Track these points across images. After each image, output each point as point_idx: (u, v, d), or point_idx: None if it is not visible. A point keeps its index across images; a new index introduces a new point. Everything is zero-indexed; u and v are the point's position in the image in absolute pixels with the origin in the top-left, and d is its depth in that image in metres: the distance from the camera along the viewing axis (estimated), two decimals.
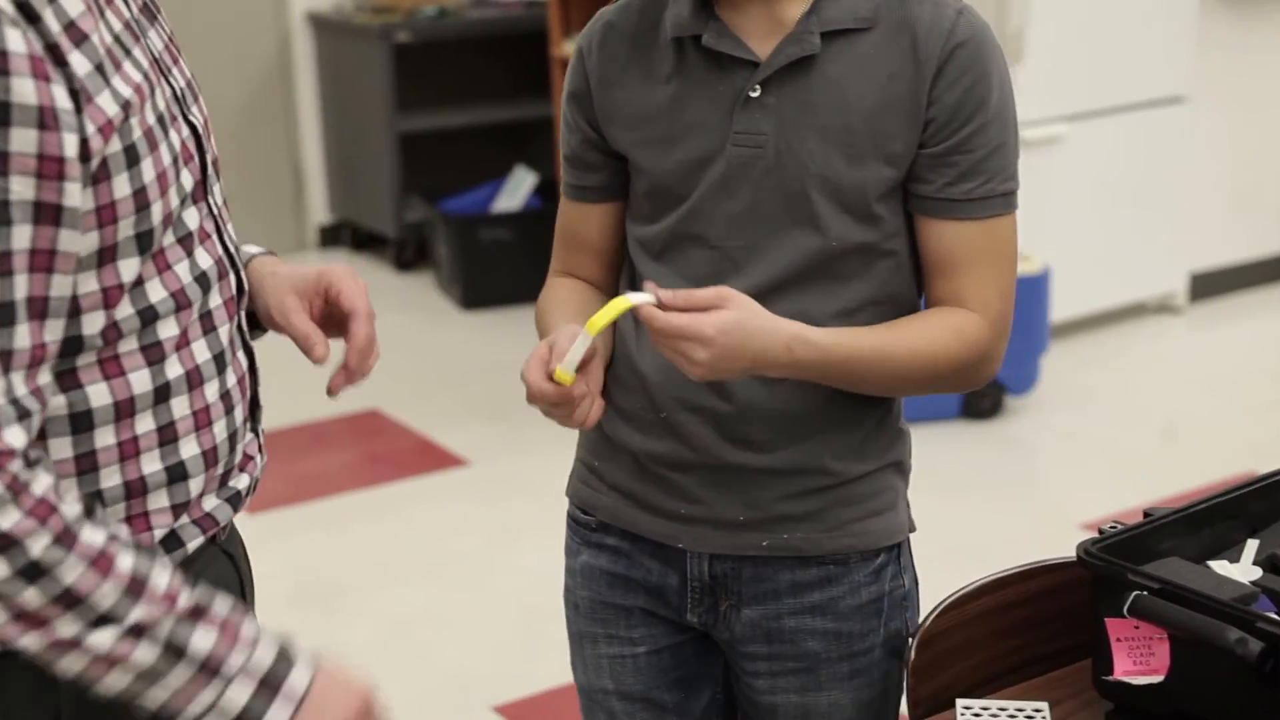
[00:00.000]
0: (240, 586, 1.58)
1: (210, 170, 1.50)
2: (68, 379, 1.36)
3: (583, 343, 1.64)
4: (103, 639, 1.28)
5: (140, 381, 1.40)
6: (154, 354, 1.41)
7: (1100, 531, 1.61)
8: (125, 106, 1.33)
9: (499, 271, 5.86)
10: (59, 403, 1.36)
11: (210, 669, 1.32)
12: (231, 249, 1.53)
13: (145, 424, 1.42)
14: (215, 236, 1.50)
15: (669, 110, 1.79)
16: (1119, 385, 5.11)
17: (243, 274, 1.56)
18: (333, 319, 1.63)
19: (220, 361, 1.49)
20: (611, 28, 1.84)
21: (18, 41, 1.22)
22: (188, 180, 1.43)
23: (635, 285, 1.84)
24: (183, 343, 1.43)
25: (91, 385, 1.38)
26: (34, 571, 1.24)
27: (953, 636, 1.76)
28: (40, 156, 1.24)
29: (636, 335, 1.82)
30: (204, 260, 1.47)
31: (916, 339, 1.77)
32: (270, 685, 1.34)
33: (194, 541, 1.48)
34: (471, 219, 5.99)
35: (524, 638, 3.68)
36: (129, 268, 1.37)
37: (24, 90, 1.22)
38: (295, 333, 1.59)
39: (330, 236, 6.79)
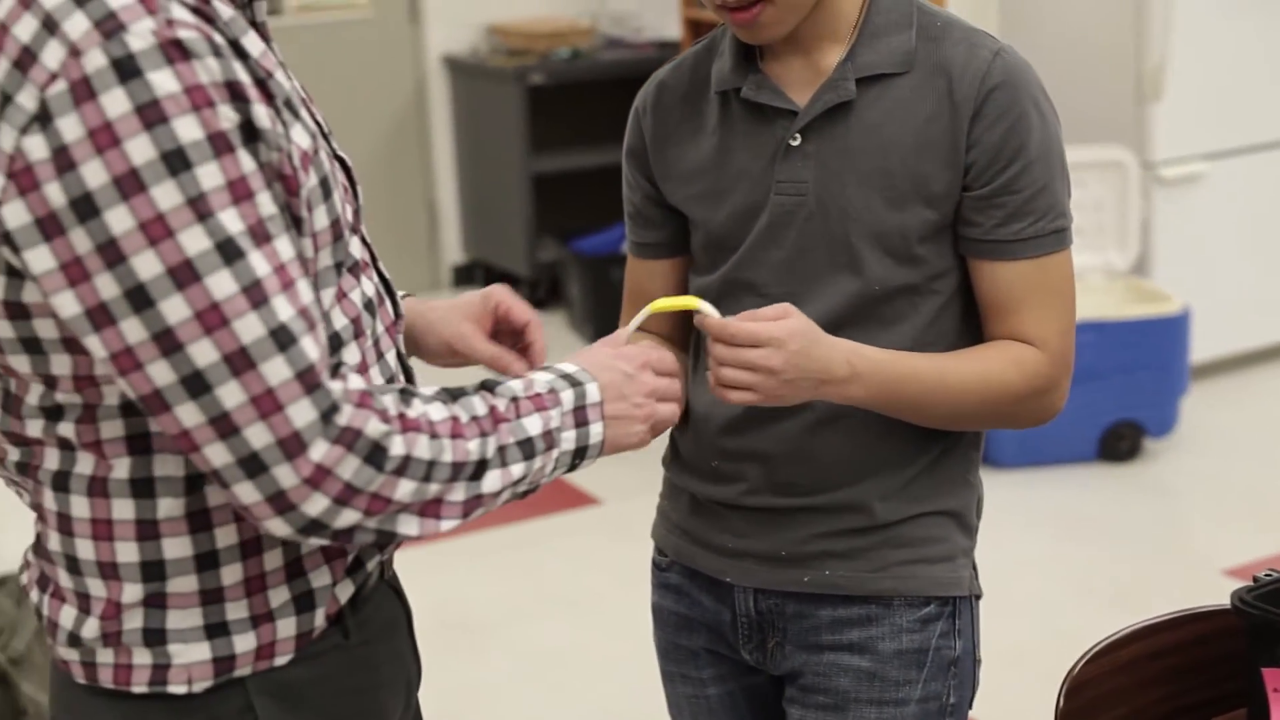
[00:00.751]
0: (407, 623, 1.62)
1: (361, 199, 1.55)
2: None
3: (644, 313, 1.69)
4: (492, 481, 1.42)
5: None
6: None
7: (1255, 579, 1.59)
8: (314, 137, 1.38)
9: None
10: (430, 390, 1.43)
11: (548, 440, 1.47)
12: (386, 275, 1.58)
13: None
14: (371, 265, 1.54)
15: (716, 163, 1.82)
16: (1261, 428, 5.03)
17: (398, 301, 1.60)
18: (498, 337, 1.72)
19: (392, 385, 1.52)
20: (664, 87, 1.88)
21: (243, 73, 1.28)
22: (348, 212, 1.47)
23: (694, 335, 1.88)
24: (364, 368, 1.46)
25: None
26: (430, 470, 1.36)
27: (1101, 684, 1.75)
28: (281, 174, 1.31)
29: (693, 381, 1.86)
30: (369, 288, 1.50)
31: (973, 365, 1.76)
32: (580, 413, 1.50)
33: (372, 561, 1.52)
34: (603, 259, 6.03)
35: (656, 675, 3.69)
36: (327, 296, 1.40)
37: (260, 116, 1.28)
38: (485, 356, 1.69)
39: (464, 276, 6.87)
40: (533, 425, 1.44)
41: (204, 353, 1.25)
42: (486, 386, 1.45)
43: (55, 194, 1.23)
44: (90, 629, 1.41)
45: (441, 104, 6.63)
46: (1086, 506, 4.33)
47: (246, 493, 1.29)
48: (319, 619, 1.46)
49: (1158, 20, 4.90)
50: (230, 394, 1.25)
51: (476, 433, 1.39)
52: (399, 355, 1.58)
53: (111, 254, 1.24)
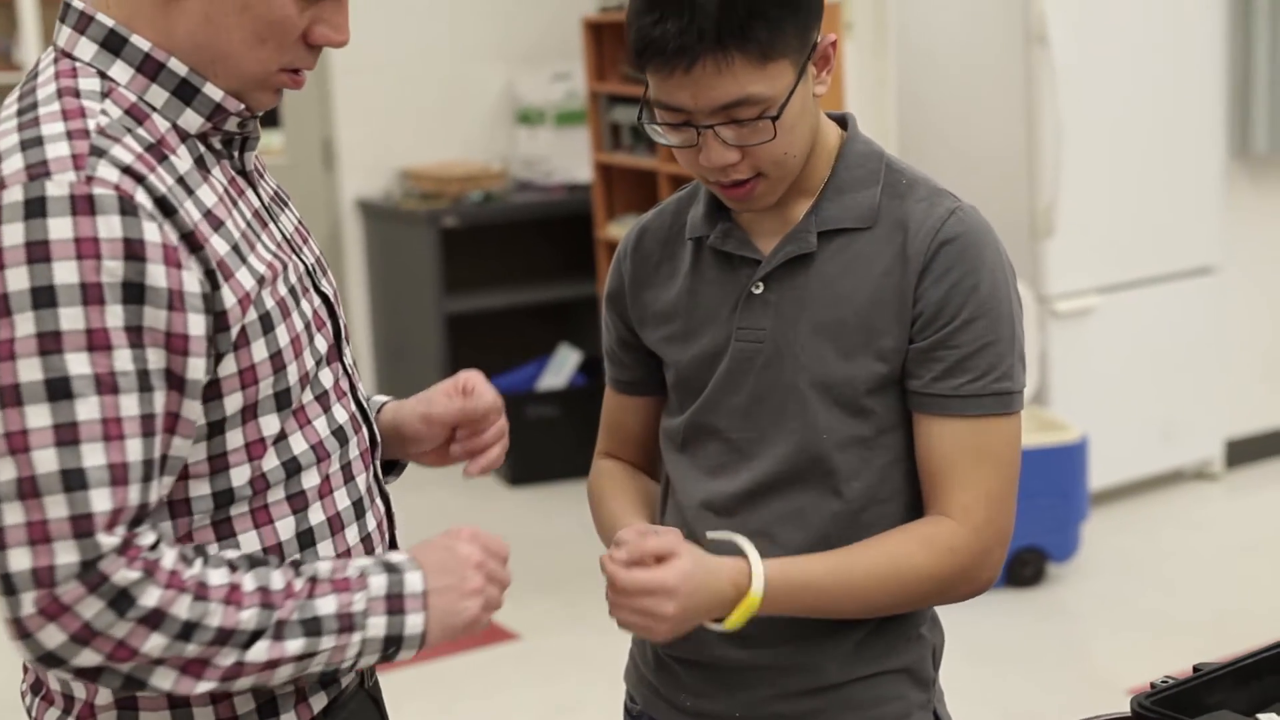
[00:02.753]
0: None
1: (343, 335, 1.65)
2: (223, 527, 1.51)
3: None
4: (259, 651, 1.44)
5: (286, 528, 1.54)
6: (298, 502, 1.55)
7: (1152, 685, 1.68)
8: (260, 280, 1.48)
9: (546, 448, 5.97)
10: (237, 554, 1.49)
11: (345, 624, 1.48)
12: (364, 405, 1.68)
13: None
14: (350, 395, 1.64)
15: (686, 306, 1.85)
16: (1160, 551, 5.15)
17: (375, 428, 1.69)
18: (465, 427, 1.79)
19: (359, 507, 1.62)
20: (646, 231, 1.93)
21: (154, 233, 1.40)
22: (321, 344, 1.58)
23: (663, 478, 1.92)
24: (325, 490, 1.57)
25: (244, 534, 1.52)
26: (187, 630, 1.40)
27: None
28: (169, 333, 1.41)
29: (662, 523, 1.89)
30: (340, 415, 1.61)
31: (876, 557, 1.74)
32: (395, 601, 1.50)
33: (346, 679, 1.60)
34: (518, 397, 6.11)
35: None
36: (270, 423, 1.52)
37: (156, 275, 1.40)
38: (451, 411, 1.76)
39: None
40: (325, 605, 1.47)
41: (2, 469, 1.36)
42: (294, 564, 1.50)
43: None
44: None
45: (355, 247, 6.72)
46: (994, 631, 4.42)
47: (1, 608, 1.39)
48: None
49: (1048, 160, 5.09)
50: (10, 513, 1.36)
51: (256, 603, 1.44)
52: (375, 478, 1.67)
53: None
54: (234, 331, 1.46)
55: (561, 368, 6.30)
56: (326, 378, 1.60)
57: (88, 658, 1.38)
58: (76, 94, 1.46)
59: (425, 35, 6.48)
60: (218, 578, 1.43)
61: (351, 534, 1.61)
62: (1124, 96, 5.25)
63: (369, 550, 1.64)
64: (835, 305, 1.76)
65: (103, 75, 1.49)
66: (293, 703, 1.56)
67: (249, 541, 1.52)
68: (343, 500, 1.60)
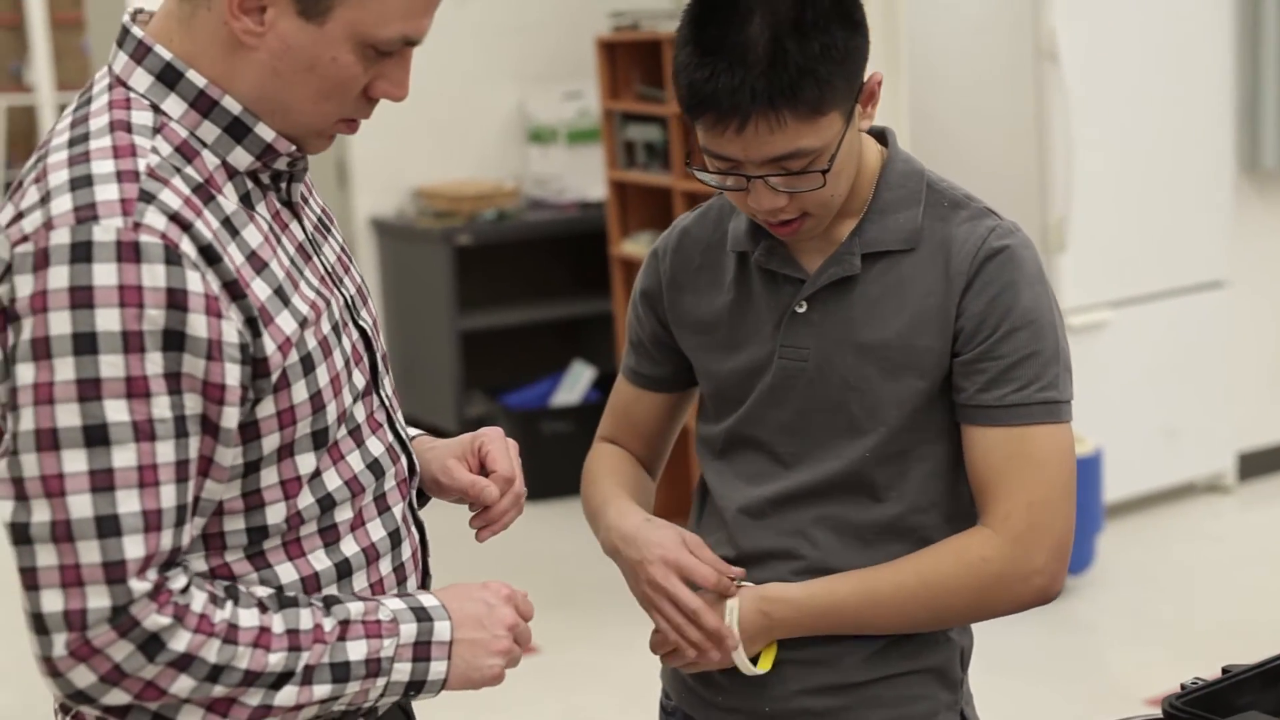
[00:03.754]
0: None
1: (380, 366, 1.66)
2: (258, 560, 1.52)
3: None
4: (288, 694, 1.47)
5: (319, 560, 1.55)
6: (330, 536, 1.56)
7: (1182, 687, 1.70)
8: (302, 323, 1.51)
9: (560, 463, 5.98)
10: (253, 579, 1.51)
11: (372, 668, 1.51)
12: (402, 434, 1.68)
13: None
14: (386, 425, 1.65)
15: (730, 319, 1.87)
16: (1174, 563, 5.18)
17: (414, 456, 1.70)
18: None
19: (395, 538, 1.63)
20: (687, 234, 1.94)
21: (196, 283, 1.41)
22: (359, 379, 1.59)
23: (699, 482, 1.95)
24: (358, 523, 1.58)
25: (279, 565, 1.53)
26: (215, 672, 1.43)
27: None
28: (205, 381, 1.42)
29: (697, 529, 1.92)
30: (376, 448, 1.61)
31: (905, 573, 1.76)
32: (423, 648, 1.53)
33: (382, 700, 1.59)
34: (532, 413, 6.14)
35: None
36: (306, 462, 1.54)
37: (197, 325, 1.41)
38: (461, 485, 1.74)
39: None
40: (356, 651, 1.50)
41: (39, 511, 1.38)
42: (326, 602, 1.52)
43: None
44: None
45: (370, 265, 6.75)
46: (1010, 642, 4.42)
47: (33, 646, 1.41)
48: None
49: (1059, 176, 5.12)
50: (45, 555, 1.38)
51: (285, 646, 1.46)
52: (410, 507, 1.68)
53: (5, 397, 1.40)
54: (274, 377, 1.48)
55: (575, 384, 6.33)
56: (360, 411, 1.61)
57: (116, 697, 1.41)
58: (129, 128, 1.46)
59: (438, 54, 6.52)
60: (248, 619, 1.45)
61: (385, 565, 1.62)
62: (1134, 112, 5.28)
63: (401, 579, 1.65)
64: (879, 326, 1.78)
65: (156, 109, 1.49)
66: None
67: (286, 573, 1.54)
68: (377, 531, 1.62)
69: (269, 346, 1.46)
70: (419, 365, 6.70)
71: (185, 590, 1.42)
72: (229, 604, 1.45)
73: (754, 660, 1.82)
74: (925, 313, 1.77)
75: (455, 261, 6.31)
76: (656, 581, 1.79)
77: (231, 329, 1.43)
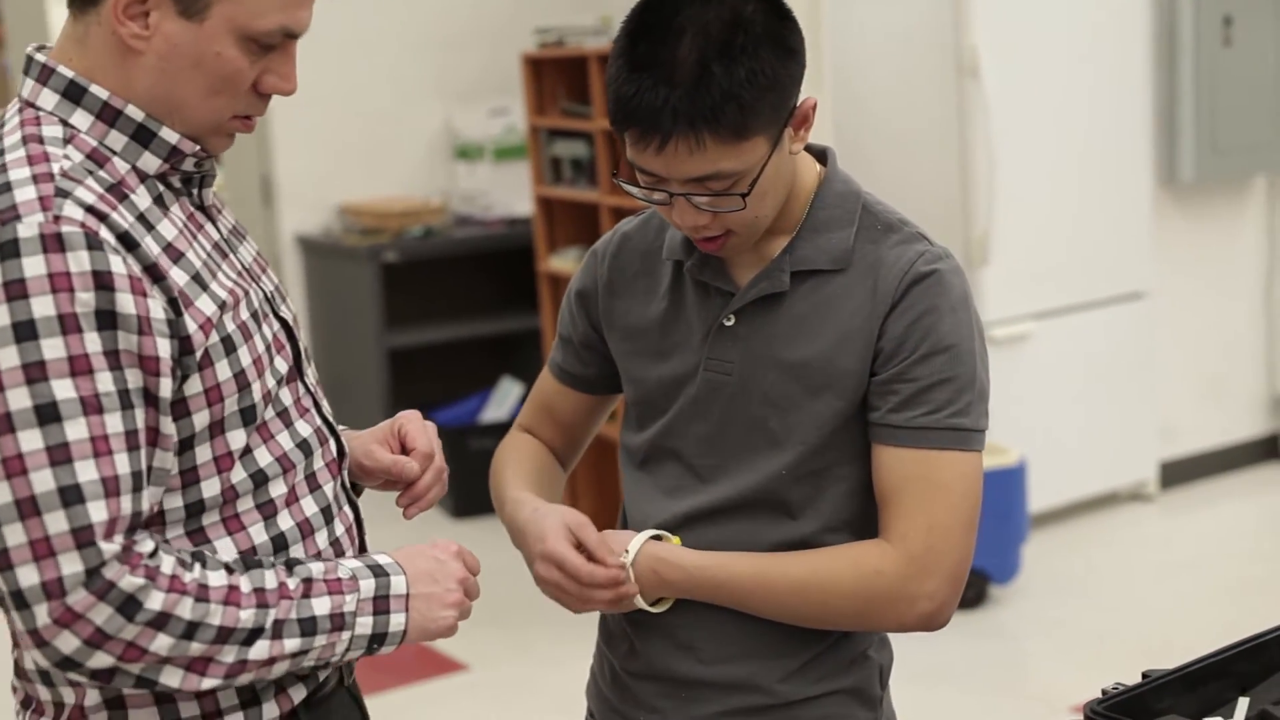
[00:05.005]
0: None
1: (303, 357, 1.75)
2: (197, 536, 1.63)
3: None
4: (260, 649, 1.56)
5: (258, 533, 1.64)
6: (267, 510, 1.67)
7: (1103, 692, 1.73)
8: (221, 306, 1.60)
9: (488, 480, 5.98)
10: (232, 557, 1.61)
11: (337, 622, 1.61)
12: (329, 419, 1.78)
13: None
14: (314, 410, 1.75)
15: (661, 327, 1.87)
16: (1098, 572, 5.24)
17: (342, 440, 1.79)
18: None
19: (328, 514, 1.73)
20: (628, 239, 1.94)
21: (119, 265, 1.51)
22: (281, 365, 1.69)
23: (620, 493, 1.96)
24: (292, 499, 1.68)
25: (218, 540, 1.63)
26: (191, 629, 1.52)
27: None
28: (141, 355, 1.52)
29: None
30: (304, 429, 1.71)
31: (801, 565, 1.76)
32: (382, 602, 1.64)
33: (325, 673, 1.70)
34: (461, 429, 6.13)
35: None
36: (236, 438, 1.63)
37: (125, 303, 1.50)
38: (383, 465, 1.85)
39: None
40: (320, 606, 1.60)
41: (2, 493, 1.46)
42: (287, 564, 1.61)
43: None
44: None
45: (296, 283, 6.72)
46: (937, 651, 4.45)
47: (15, 621, 1.49)
48: (269, 713, 1.64)
49: (981, 190, 5.18)
50: (13, 534, 1.46)
51: (254, 604, 1.55)
52: (343, 487, 1.78)
53: None
54: (198, 354, 1.57)
55: (504, 400, 6.33)
56: (287, 396, 1.71)
57: (101, 660, 1.49)
58: (40, 140, 1.56)
59: (364, 71, 6.52)
60: (216, 579, 1.54)
61: (321, 538, 1.71)
62: (1055, 128, 5.35)
63: (339, 553, 1.73)
64: (804, 344, 1.78)
65: (64, 123, 1.59)
66: (272, 693, 1.66)
67: (225, 548, 1.63)
68: (310, 507, 1.71)
69: (190, 325, 1.56)
70: (347, 383, 6.67)
71: (154, 554, 1.51)
72: (197, 566, 1.53)
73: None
74: (850, 333, 1.77)
75: (382, 279, 6.29)
76: (542, 576, 1.82)
77: (158, 306, 1.53)
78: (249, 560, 1.59)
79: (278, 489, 1.67)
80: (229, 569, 1.56)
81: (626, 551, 1.80)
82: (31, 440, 1.46)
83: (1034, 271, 5.37)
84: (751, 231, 1.77)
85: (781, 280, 1.79)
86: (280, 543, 1.67)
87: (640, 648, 1.89)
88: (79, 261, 1.47)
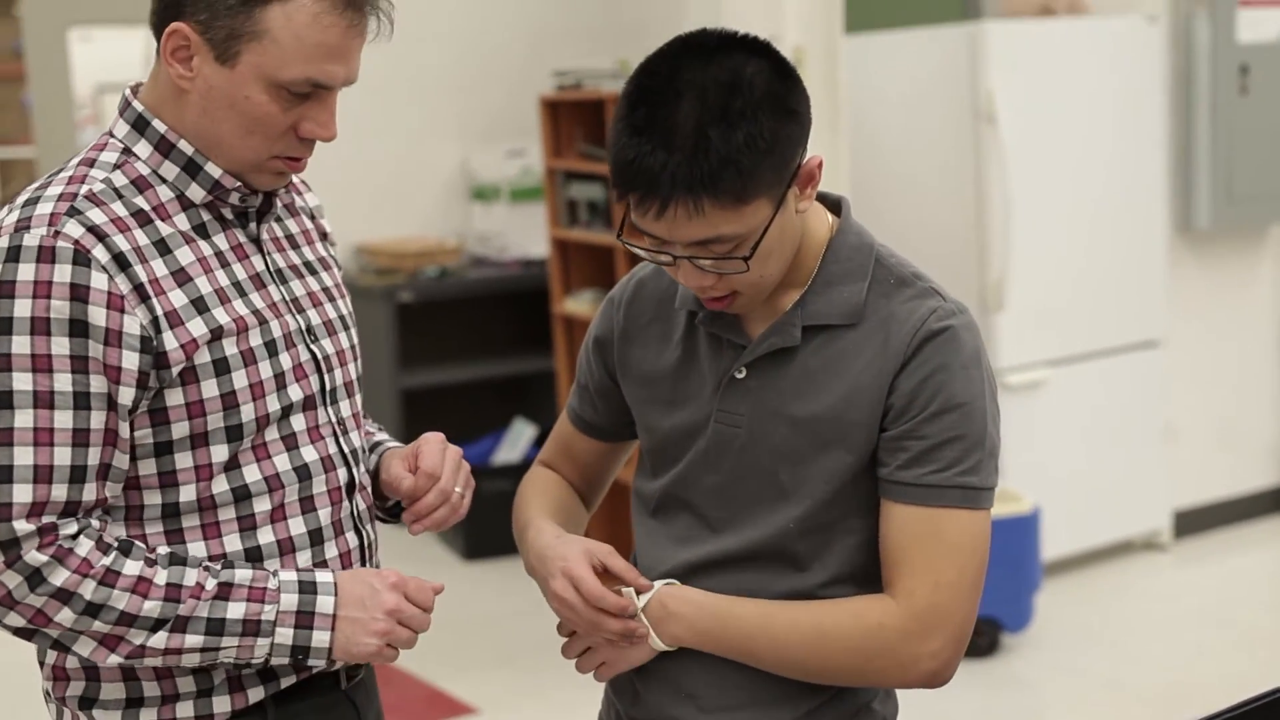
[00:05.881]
0: None
1: (338, 389, 1.87)
2: (175, 535, 1.78)
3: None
4: (159, 639, 1.72)
5: (232, 542, 1.77)
6: (247, 523, 1.81)
7: None
8: (216, 331, 1.75)
9: (500, 522, 5.93)
10: (164, 552, 1.76)
11: (250, 628, 1.74)
12: (346, 450, 1.87)
13: None
14: (332, 439, 1.86)
15: (674, 376, 1.87)
16: (1112, 621, 5.22)
17: (356, 470, 1.89)
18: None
19: (317, 536, 1.84)
20: (643, 285, 1.94)
21: (101, 281, 1.69)
22: (296, 393, 1.81)
23: (633, 543, 1.96)
24: (278, 517, 1.80)
25: (193, 542, 1.79)
26: (93, 609, 1.69)
27: None
28: (106, 364, 1.69)
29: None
30: (309, 455, 1.83)
31: (805, 614, 1.76)
32: (305, 617, 1.76)
33: (286, 678, 1.83)
34: (474, 471, 6.09)
35: None
36: (219, 452, 1.78)
37: (97, 316, 1.68)
38: (387, 481, 1.96)
39: None
40: (235, 610, 1.74)
41: None
42: (208, 568, 1.75)
43: None
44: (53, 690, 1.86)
45: None
46: (951, 702, 4.44)
47: None
48: (220, 706, 1.80)
49: (997, 236, 5.19)
50: None
51: (161, 597, 1.71)
52: (353, 515, 1.89)
53: None
54: (175, 370, 1.72)
55: (517, 442, 6.33)
56: (300, 422, 1.84)
57: (14, 620, 1.70)
58: (92, 164, 1.79)
59: (382, 111, 6.55)
60: (130, 569, 1.71)
61: (303, 558, 1.84)
62: (1071, 174, 5.36)
63: None
64: (814, 399, 1.78)
65: (127, 150, 1.80)
66: (227, 689, 1.80)
67: (196, 549, 1.78)
68: (297, 527, 1.83)
69: (170, 343, 1.72)
70: None
71: (74, 537, 1.69)
72: (114, 554, 1.71)
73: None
74: (860, 389, 1.76)
75: (397, 319, 6.31)
76: (557, 593, 1.81)
77: (134, 323, 1.70)
78: (177, 557, 1.74)
79: (261, 505, 1.80)
80: (150, 561, 1.72)
81: (638, 593, 1.81)
82: None
83: (1049, 318, 5.37)
84: (757, 292, 1.77)
85: (793, 335, 1.79)
86: (255, 554, 1.80)
87: (644, 695, 1.88)
88: (62, 273, 1.66)
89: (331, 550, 1.87)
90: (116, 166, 1.79)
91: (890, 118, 5.50)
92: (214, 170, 1.80)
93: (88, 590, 1.69)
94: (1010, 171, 5.16)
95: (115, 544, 1.72)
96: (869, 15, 6.77)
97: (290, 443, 1.83)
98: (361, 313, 6.44)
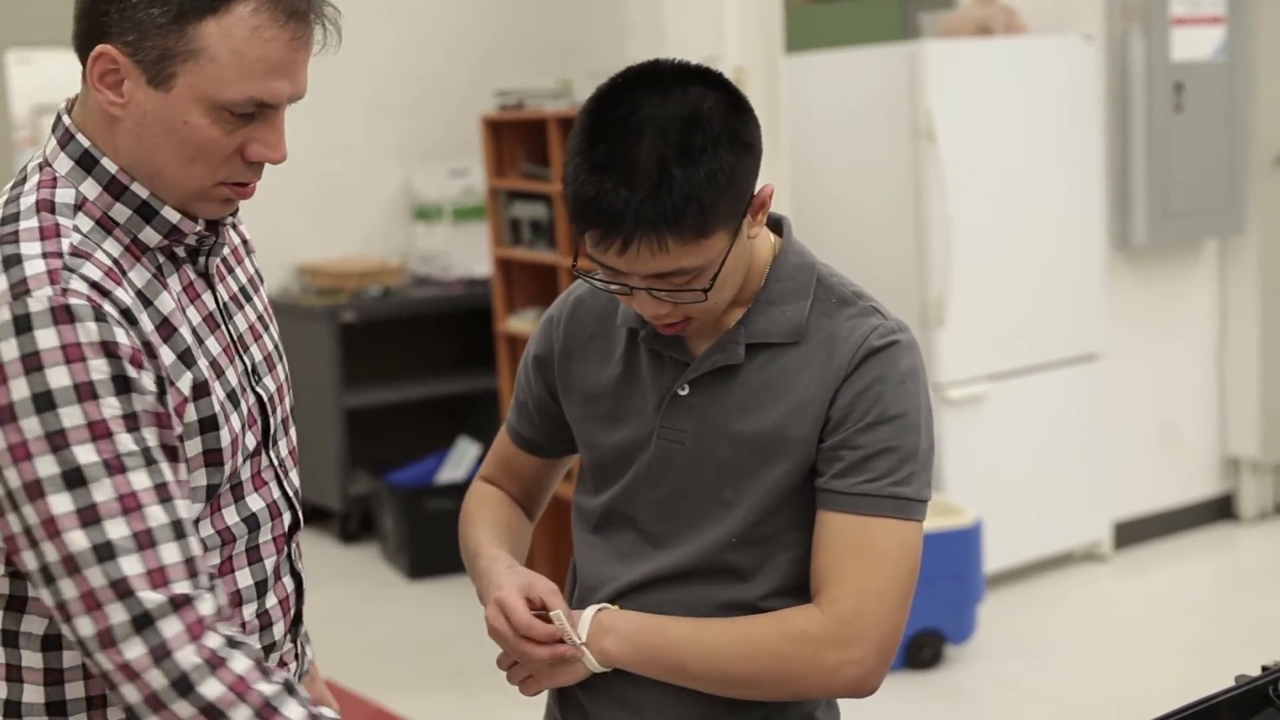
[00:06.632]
0: None
1: (278, 428, 1.78)
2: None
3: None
4: None
5: None
6: None
7: None
8: (197, 389, 1.63)
9: (445, 541, 5.89)
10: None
11: None
12: (290, 492, 1.79)
13: None
14: (275, 483, 1.76)
15: (616, 394, 1.88)
16: (1054, 632, 5.26)
17: (298, 512, 1.81)
18: None
19: (262, 587, 1.75)
20: (582, 302, 1.95)
21: (124, 336, 1.55)
22: (251, 441, 1.70)
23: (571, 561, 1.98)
24: (226, 570, 1.70)
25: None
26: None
27: None
28: (155, 414, 1.57)
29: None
30: (255, 504, 1.73)
31: (731, 626, 1.77)
32: None
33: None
34: (417, 490, 6.12)
35: None
36: (200, 509, 1.65)
37: (131, 370, 1.55)
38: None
39: None
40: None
41: (49, 552, 1.52)
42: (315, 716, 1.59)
43: None
44: None
45: None
46: (893, 713, 4.48)
47: (93, 666, 1.55)
48: None
49: (937, 253, 5.24)
50: (67, 588, 1.53)
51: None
52: (288, 557, 1.80)
53: None
54: (175, 431, 1.60)
55: (461, 461, 6.32)
56: (246, 470, 1.73)
57: None
58: (53, 208, 1.61)
59: (322, 130, 6.54)
60: (292, 711, 1.56)
61: (249, 610, 1.73)
62: (1010, 192, 5.41)
63: (266, 624, 1.76)
64: (757, 416, 1.79)
65: (76, 189, 1.63)
66: (84, 707, 1.65)
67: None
68: (245, 579, 1.73)
69: (169, 404, 1.59)
70: (303, 443, 6.59)
71: (233, 645, 1.55)
72: (275, 685, 1.56)
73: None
74: (803, 405, 1.78)
75: (339, 339, 6.30)
76: (488, 620, 1.83)
77: (150, 379, 1.57)
78: (291, 683, 1.59)
79: (212, 559, 1.68)
80: (314, 717, 1.58)
81: (576, 629, 1.83)
82: (62, 504, 1.51)
83: (989, 333, 5.41)
84: (709, 316, 1.79)
85: (736, 353, 1.81)
86: None
87: (591, 711, 1.89)
88: (88, 332, 1.52)
89: (271, 599, 1.77)
90: (78, 208, 1.62)
91: (830, 137, 5.54)
92: (171, 215, 1.64)
93: (240, 717, 1.53)
94: (950, 189, 5.20)
95: (279, 674, 1.58)
96: (808, 35, 6.83)
97: (238, 492, 1.72)
98: (304, 333, 6.48)
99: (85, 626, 1.53)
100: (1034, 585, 5.65)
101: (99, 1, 1.58)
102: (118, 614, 1.51)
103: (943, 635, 4.88)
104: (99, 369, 1.51)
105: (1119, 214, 5.81)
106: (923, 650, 4.85)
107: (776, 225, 1.89)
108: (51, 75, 9.62)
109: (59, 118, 1.68)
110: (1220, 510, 6.30)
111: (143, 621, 1.51)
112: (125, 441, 1.53)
